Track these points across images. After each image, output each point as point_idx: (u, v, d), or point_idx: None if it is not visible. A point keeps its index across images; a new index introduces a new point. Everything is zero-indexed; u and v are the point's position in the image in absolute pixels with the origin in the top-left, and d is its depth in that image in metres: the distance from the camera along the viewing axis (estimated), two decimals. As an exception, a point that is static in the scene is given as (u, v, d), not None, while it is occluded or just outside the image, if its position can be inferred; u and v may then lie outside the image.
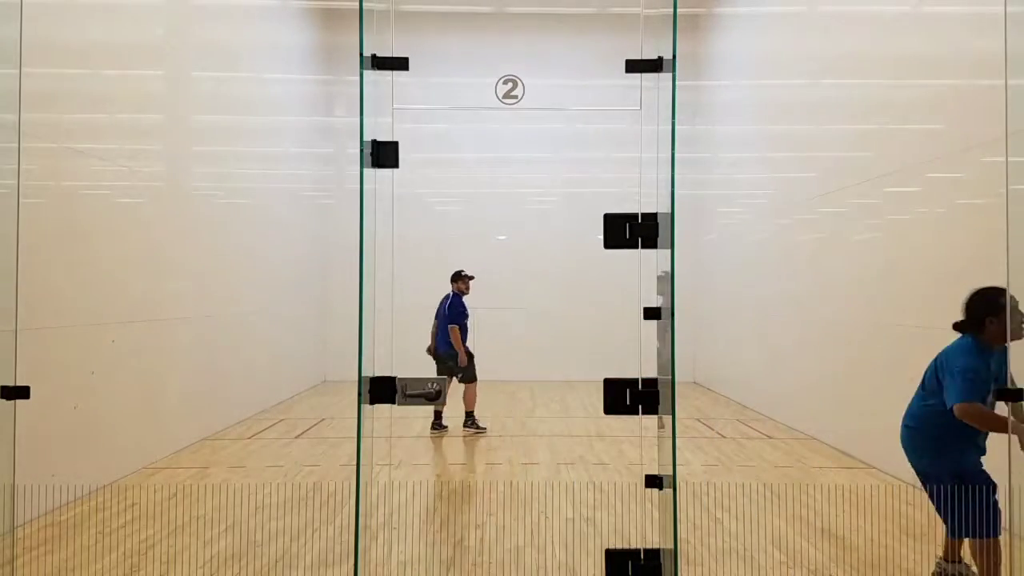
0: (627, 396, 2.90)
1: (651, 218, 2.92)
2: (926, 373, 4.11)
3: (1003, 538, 3.71)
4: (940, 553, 4.15)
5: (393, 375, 2.85)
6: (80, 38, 5.92)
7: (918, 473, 4.09)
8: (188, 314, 7.67)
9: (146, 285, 6.82)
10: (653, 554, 3.11)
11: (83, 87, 6.00)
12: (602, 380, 2.92)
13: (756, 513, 5.40)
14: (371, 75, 2.89)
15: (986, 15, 5.29)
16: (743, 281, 11.27)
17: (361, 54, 2.85)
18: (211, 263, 8.37)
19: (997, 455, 3.69)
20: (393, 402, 2.85)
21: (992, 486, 3.74)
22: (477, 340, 8.37)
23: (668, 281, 2.90)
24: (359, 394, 2.83)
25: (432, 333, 8.53)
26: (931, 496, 3.91)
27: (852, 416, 7.40)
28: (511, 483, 6.37)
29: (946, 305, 5.85)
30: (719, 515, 5.35)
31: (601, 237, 2.89)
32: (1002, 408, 3.59)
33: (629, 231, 2.92)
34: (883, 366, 6.80)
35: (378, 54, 2.89)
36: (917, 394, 4.16)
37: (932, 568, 4.13)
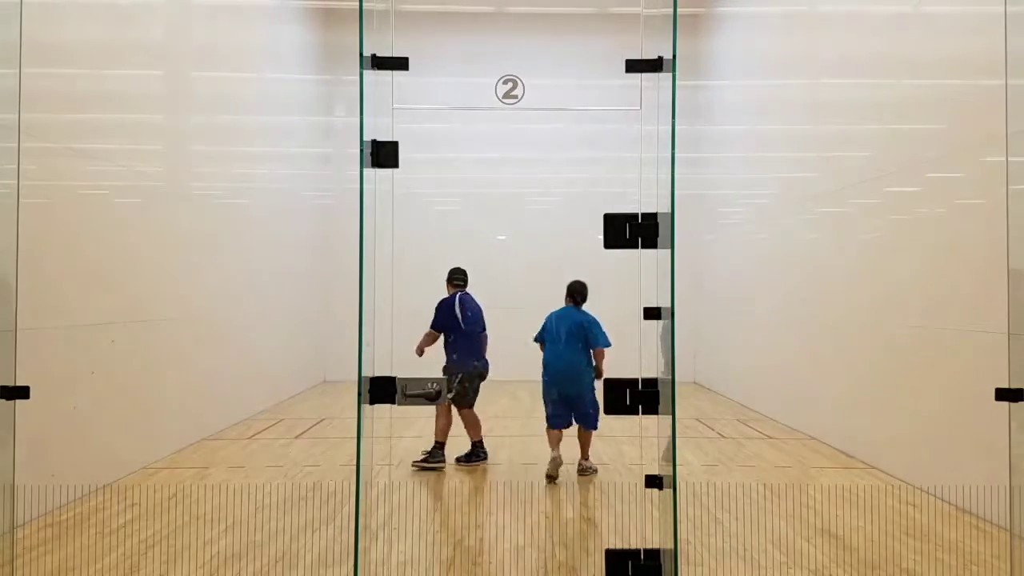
0: (627, 396, 2.90)
1: (651, 218, 2.92)
2: (561, 332, 6.64)
3: (1003, 538, 3.71)
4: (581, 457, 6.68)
5: (393, 375, 2.85)
6: (80, 38, 5.92)
7: (569, 396, 6.57)
8: (187, 314, 7.67)
9: (146, 285, 6.82)
10: (653, 554, 3.11)
11: (83, 87, 6.00)
12: (602, 380, 2.93)
13: (756, 513, 5.40)
14: (371, 75, 2.89)
15: (986, 15, 5.29)
16: (743, 281, 11.28)
17: (361, 54, 2.85)
18: (211, 263, 8.37)
19: (997, 455, 3.69)
20: (393, 402, 2.85)
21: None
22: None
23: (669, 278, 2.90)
24: (359, 394, 2.83)
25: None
26: (577, 409, 6.58)
27: (852, 416, 7.41)
28: (511, 483, 6.37)
29: (946, 304, 5.86)
30: (719, 515, 5.35)
31: (601, 237, 2.89)
32: (1002, 408, 3.58)
33: (629, 231, 2.92)
34: (883, 365, 6.80)
35: (378, 54, 2.89)
36: (565, 346, 6.60)
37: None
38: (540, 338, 6.86)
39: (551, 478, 6.41)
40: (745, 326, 11.09)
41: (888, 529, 5.03)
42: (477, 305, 7.24)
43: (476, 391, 7.13)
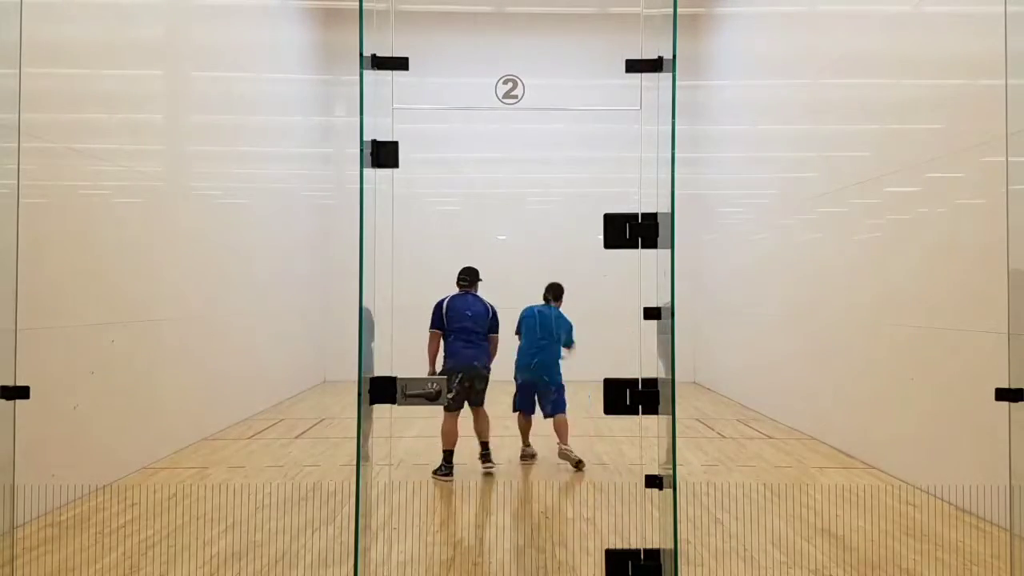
0: (627, 396, 2.90)
1: (651, 218, 2.92)
2: (538, 327, 7.26)
3: (1004, 538, 3.71)
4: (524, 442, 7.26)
5: (393, 375, 2.85)
6: (80, 38, 5.92)
7: (535, 383, 7.11)
8: (187, 314, 7.67)
9: (146, 285, 6.82)
10: (653, 554, 3.11)
11: (83, 87, 6.00)
12: (602, 380, 2.92)
13: (756, 513, 5.40)
14: (371, 75, 2.88)
15: (986, 15, 5.29)
16: (743, 281, 11.27)
17: (361, 54, 2.84)
18: (211, 263, 8.37)
19: (997, 455, 3.69)
20: (393, 402, 2.85)
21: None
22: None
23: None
24: (359, 394, 2.82)
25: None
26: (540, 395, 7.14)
27: (852, 416, 7.41)
28: (511, 483, 6.37)
29: (946, 304, 5.86)
30: (719, 515, 5.35)
31: (601, 237, 2.89)
32: (1002, 408, 3.58)
33: (629, 231, 2.92)
34: (883, 365, 6.80)
35: (378, 54, 2.89)
36: (540, 339, 7.22)
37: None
38: (519, 331, 7.45)
39: (531, 457, 7.27)
40: (745, 326, 11.09)
41: (888, 529, 5.03)
42: (474, 306, 6.86)
43: (456, 394, 6.62)
